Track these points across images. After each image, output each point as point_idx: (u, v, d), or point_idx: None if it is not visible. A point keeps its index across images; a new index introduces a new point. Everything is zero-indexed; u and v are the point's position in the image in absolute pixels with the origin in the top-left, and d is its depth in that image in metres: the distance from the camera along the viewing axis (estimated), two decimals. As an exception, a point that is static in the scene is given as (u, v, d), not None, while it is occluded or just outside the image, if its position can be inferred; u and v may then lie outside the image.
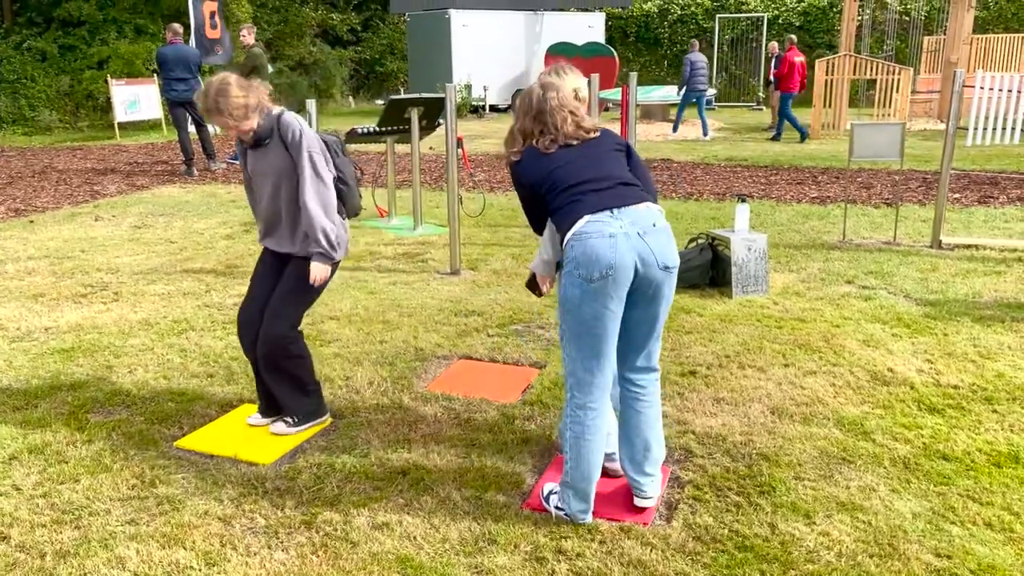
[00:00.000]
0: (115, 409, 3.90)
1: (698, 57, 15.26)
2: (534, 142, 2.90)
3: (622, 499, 3.05)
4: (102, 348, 4.71)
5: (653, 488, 2.97)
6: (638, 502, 2.98)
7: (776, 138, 14.52)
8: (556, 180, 2.84)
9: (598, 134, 2.95)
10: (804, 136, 14.37)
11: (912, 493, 3.07)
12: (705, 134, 15.44)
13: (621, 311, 2.77)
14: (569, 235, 2.75)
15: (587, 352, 2.77)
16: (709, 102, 20.90)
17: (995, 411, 3.75)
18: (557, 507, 2.95)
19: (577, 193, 2.80)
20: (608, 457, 3.19)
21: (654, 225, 2.77)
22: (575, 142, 2.89)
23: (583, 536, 2.82)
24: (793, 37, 15.70)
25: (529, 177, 2.88)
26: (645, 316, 2.84)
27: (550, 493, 3.01)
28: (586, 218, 2.73)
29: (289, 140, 3.42)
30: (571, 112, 2.90)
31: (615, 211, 2.75)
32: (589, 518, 2.93)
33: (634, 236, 2.71)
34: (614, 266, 2.67)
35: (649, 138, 15.32)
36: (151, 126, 16.99)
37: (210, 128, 12.13)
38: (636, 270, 2.72)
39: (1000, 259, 6.33)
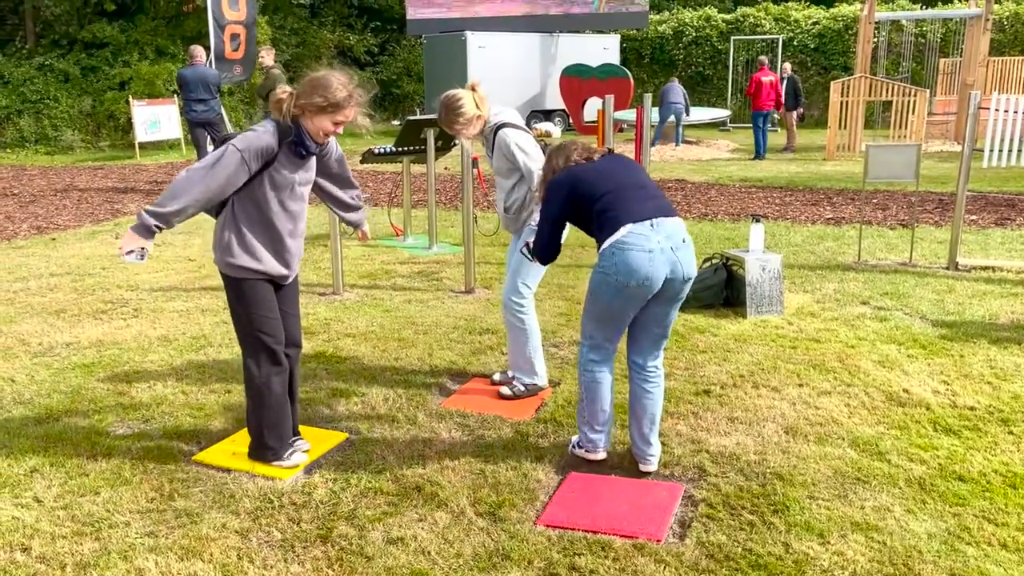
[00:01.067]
0: (134, 423, 3.95)
1: (671, 86, 16.56)
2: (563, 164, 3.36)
3: (636, 515, 3.06)
4: (122, 363, 4.77)
5: (655, 452, 3.43)
6: (642, 467, 3.42)
7: (788, 150, 14.83)
8: (593, 189, 3.21)
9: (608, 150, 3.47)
10: (759, 156, 15.06)
11: (927, 514, 3.06)
12: (672, 143, 16.86)
13: (641, 306, 3.23)
14: (610, 242, 3.11)
15: (607, 331, 3.29)
16: (723, 123, 20.96)
17: (1011, 433, 3.74)
18: (578, 445, 3.51)
19: (617, 200, 3.16)
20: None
21: (683, 240, 3.18)
22: (596, 156, 3.35)
23: (597, 553, 2.83)
24: (764, 59, 16.08)
25: (562, 188, 3.26)
26: (662, 315, 3.26)
27: (575, 442, 3.55)
28: (628, 227, 3.09)
29: (331, 146, 3.45)
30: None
31: (654, 223, 3.12)
32: (602, 449, 3.45)
33: (668, 251, 3.11)
34: (650, 278, 3.08)
35: (663, 158, 15.38)
36: (171, 146, 17.22)
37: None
38: (665, 279, 3.13)
39: (1017, 281, 6.30)
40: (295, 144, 3.21)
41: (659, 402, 3.40)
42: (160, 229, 3.06)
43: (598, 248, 3.18)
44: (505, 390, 4.21)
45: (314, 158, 3.37)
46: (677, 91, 16.48)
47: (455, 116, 3.96)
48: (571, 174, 3.26)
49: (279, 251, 3.33)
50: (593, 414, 3.41)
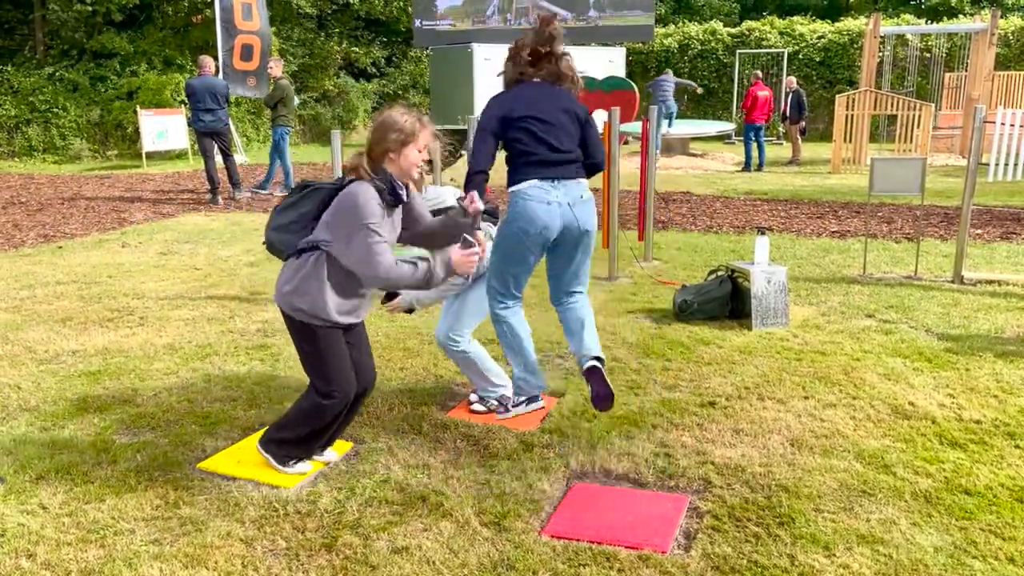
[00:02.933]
0: (140, 431, 3.96)
1: (663, 77, 16.78)
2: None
3: (641, 526, 3.05)
4: (128, 371, 4.78)
5: (590, 350, 3.62)
6: (584, 365, 3.60)
7: (794, 162, 15.05)
8: (518, 119, 3.58)
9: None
10: (747, 167, 15.32)
11: (933, 527, 3.05)
12: (656, 148, 16.59)
13: (542, 254, 3.65)
14: (515, 189, 3.56)
15: (508, 279, 3.67)
16: (728, 136, 20.98)
17: (1018, 447, 3.72)
18: (515, 405, 3.75)
19: (534, 155, 3.55)
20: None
21: (581, 197, 3.60)
22: (536, 79, 3.67)
23: (601, 564, 2.83)
24: (759, 72, 16.38)
25: (499, 109, 3.64)
26: (567, 264, 3.70)
27: (499, 405, 3.91)
28: (533, 182, 3.54)
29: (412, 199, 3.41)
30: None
31: (556, 182, 3.56)
32: (538, 388, 3.74)
33: (565, 205, 3.55)
34: (547, 227, 3.53)
35: (669, 171, 15.40)
36: (178, 155, 17.29)
37: (236, 158, 12.36)
38: (561, 231, 3.56)
39: (1023, 295, 6.29)
40: (389, 193, 3.18)
41: (581, 312, 3.70)
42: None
43: (507, 186, 3.60)
44: (478, 406, 4.17)
45: (399, 215, 3.33)
46: (666, 82, 16.66)
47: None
48: (504, 100, 3.64)
49: (357, 306, 3.35)
50: (519, 352, 3.69)
